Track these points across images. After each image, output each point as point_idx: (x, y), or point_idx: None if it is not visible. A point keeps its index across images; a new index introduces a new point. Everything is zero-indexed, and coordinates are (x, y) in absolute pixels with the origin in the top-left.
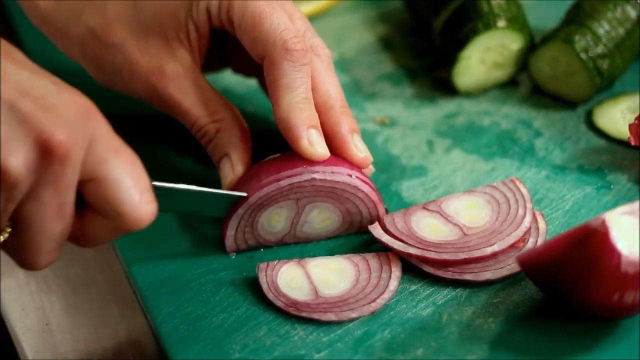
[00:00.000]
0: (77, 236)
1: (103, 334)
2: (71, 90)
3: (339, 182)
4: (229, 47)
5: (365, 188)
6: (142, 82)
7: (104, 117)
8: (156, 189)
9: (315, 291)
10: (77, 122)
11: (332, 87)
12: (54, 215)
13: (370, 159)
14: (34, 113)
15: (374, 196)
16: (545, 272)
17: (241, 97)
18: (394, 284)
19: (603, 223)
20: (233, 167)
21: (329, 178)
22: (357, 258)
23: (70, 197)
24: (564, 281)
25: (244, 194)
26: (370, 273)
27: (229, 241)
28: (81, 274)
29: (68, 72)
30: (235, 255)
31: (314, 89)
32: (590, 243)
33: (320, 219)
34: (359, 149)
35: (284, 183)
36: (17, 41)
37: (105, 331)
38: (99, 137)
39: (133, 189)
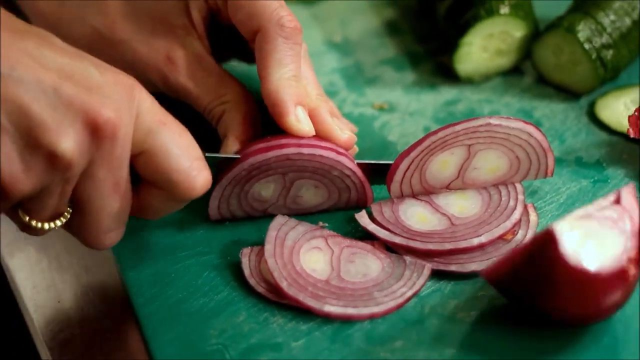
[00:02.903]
0: (137, 210)
1: (115, 312)
2: (113, 70)
3: (326, 157)
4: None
5: (352, 166)
6: (154, 74)
7: (147, 92)
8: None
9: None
10: (122, 100)
11: (309, 76)
12: (110, 192)
13: (354, 139)
14: (78, 95)
15: (360, 174)
16: (508, 283)
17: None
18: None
19: (552, 234)
20: (227, 147)
21: (317, 153)
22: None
23: (124, 173)
24: (525, 291)
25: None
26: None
27: (213, 210)
28: (93, 251)
29: None
30: (218, 220)
31: None
32: (543, 255)
33: (309, 195)
34: (342, 130)
35: (270, 154)
36: None
37: (117, 309)
38: (144, 110)
39: (183, 157)
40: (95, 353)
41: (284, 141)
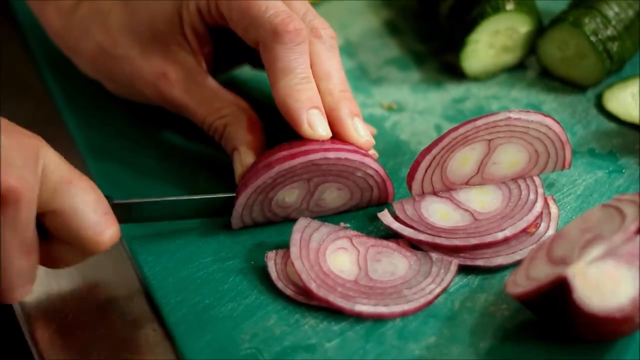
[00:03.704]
0: (48, 261)
1: (112, 319)
2: (19, 131)
3: (351, 159)
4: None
5: (376, 165)
6: (150, 89)
7: (54, 150)
8: (120, 206)
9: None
10: (26, 164)
11: (332, 69)
12: (17, 252)
13: (372, 142)
14: None
15: (383, 172)
16: (530, 306)
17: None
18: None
19: (566, 281)
20: (241, 159)
21: (342, 156)
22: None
23: (30, 233)
24: (548, 316)
25: (230, 195)
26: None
27: (235, 219)
28: (91, 258)
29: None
30: (240, 228)
31: (313, 73)
32: (559, 297)
33: (332, 197)
34: (359, 133)
35: (296, 161)
36: (21, 39)
37: (114, 315)
38: (50, 170)
39: (90, 214)
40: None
41: (308, 147)
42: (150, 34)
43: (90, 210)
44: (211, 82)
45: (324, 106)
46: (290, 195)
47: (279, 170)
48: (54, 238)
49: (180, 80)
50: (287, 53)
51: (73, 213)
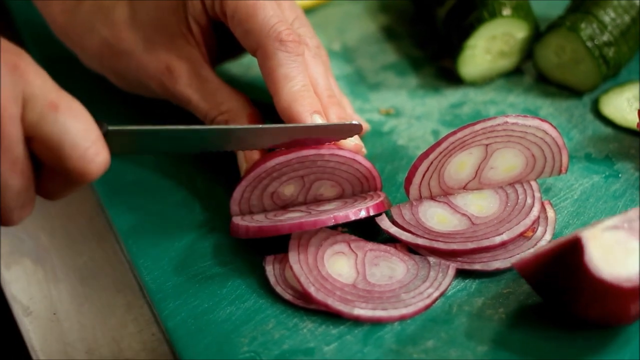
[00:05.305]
0: (41, 192)
1: (110, 323)
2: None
3: (342, 156)
4: None
5: (367, 164)
6: (155, 83)
7: (39, 69)
8: (116, 133)
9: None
10: (4, 80)
11: (318, 75)
12: (9, 171)
13: (361, 145)
14: None
15: (374, 171)
16: (536, 278)
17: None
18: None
19: (579, 241)
20: (245, 155)
21: (335, 153)
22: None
23: (18, 152)
24: (553, 289)
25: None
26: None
27: (234, 204)
28: (89, 263)
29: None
30: (238, 216)
31: None
32: (570, 260)
33: (326, 193)
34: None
35: (291, 156)
36: (17, 38)
37: (113, 320)
38: (33, 93)
39: (76, 144)
40: None
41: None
42: (155, 28)
43: (77, 140)
44: (214, 76)
45: None
46: (287, 189)
47: (275, 163)
48: (45, 167)
49: (184, 75)
50: (289, 60)
51: (58, 142)
